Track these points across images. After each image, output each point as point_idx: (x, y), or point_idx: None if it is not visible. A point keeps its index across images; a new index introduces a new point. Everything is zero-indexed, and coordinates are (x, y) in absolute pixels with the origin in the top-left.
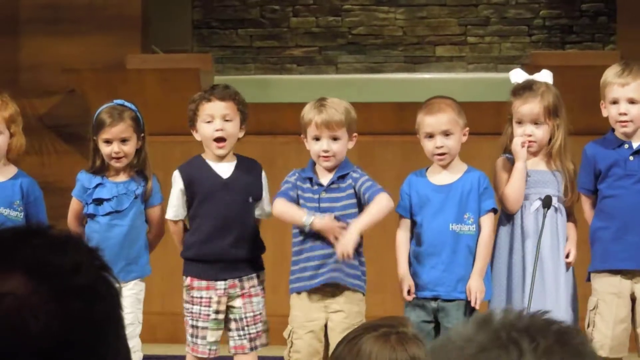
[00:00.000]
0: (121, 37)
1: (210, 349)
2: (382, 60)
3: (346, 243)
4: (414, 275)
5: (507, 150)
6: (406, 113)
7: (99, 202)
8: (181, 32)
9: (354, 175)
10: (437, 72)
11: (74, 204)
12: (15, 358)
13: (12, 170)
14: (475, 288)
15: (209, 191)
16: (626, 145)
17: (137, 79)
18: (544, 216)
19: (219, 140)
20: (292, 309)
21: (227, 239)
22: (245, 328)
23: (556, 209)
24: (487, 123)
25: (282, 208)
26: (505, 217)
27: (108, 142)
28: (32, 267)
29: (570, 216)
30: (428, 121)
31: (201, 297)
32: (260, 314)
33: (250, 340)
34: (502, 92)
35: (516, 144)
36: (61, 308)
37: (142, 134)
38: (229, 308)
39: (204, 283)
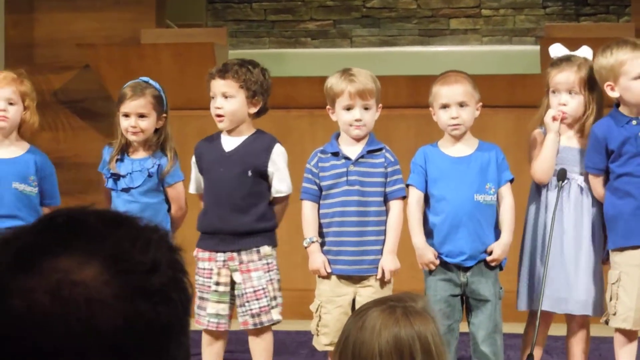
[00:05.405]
0: (136, 12)
1: (209, 321)
2: (396, 34)
3: (389, 267)
4: (437, 247)
5: (543, 123)
6: (420, 86)
7: (116, 177)
8: (195, 6)
9: (389, 157)
10: (452, 45)
11: (103, 178)
12: (75, 348)
13: (25, 145)
14: (498, 254)
15: (209, 164)
16: (634, 122)
17: (152, 53)
18: (559, 188)
19: (218, 116)
20: (320, 282)
21: (223, 211)
22: (246, 304)
23: (582, 189)
24: (501, 96)
25: (304, 215)
26: (535, 191)
27: (126, 115)
28: (110, 259)
29: None
30: (444, 92)
31: (204, 269)
32: (262, 289)
33: (253, 316)
34: (516, 65)
35: (548, 116)
36: (129, 307)
37: (164, 114)
38: (234, 284)
39: (206, 254)
